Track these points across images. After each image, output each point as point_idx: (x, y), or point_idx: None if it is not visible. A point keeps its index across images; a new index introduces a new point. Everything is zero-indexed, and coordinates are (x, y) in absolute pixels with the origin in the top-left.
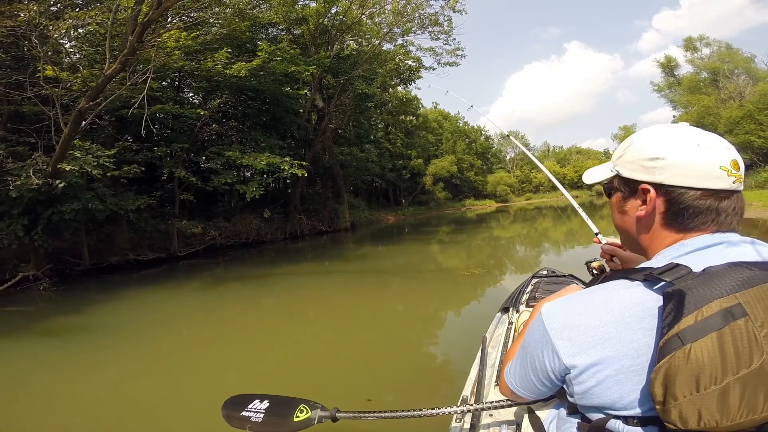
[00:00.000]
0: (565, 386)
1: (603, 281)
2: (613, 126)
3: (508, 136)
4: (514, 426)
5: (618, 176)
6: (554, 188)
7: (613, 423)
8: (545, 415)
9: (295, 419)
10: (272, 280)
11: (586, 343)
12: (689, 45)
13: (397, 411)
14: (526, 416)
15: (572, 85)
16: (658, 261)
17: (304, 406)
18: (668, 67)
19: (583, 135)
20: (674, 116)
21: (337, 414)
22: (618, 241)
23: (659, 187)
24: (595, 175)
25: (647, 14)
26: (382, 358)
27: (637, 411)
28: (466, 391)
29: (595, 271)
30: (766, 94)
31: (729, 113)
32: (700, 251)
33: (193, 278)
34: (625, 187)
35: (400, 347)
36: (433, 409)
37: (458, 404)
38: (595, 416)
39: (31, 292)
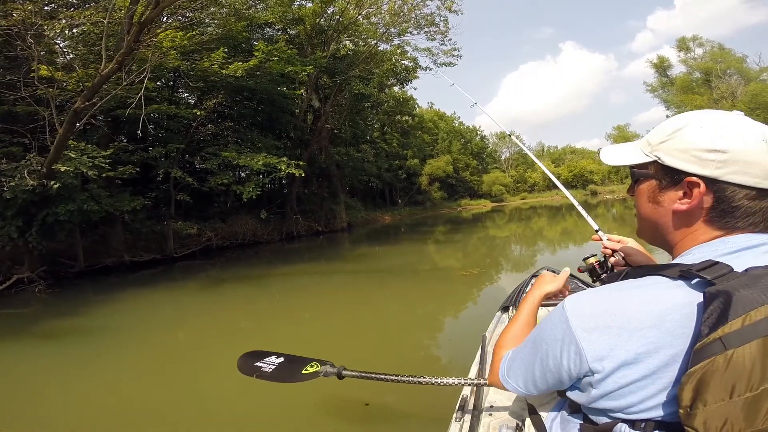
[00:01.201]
0: (576, 388)
1: (625, 277)
2: (607, 126)
3: (510, 135)
4: (515, 424)
5: (657, 162)
6: (549, 188)
7: (620, 427)
8: (547, 414)
9: (304, 372)
10: (269, 281)
11: (617, 347)
12: (682, 45)
13: (399, 375)
14: (527, 416)
15: (566, 85)
16: (692, 257)
17: (315, 363)
18: (661, 67)
19: (577, 135)
20: (667, 116)
21: (343, 371)
22: (618, 236)
23: (711, 182)
24: (620, 155)
25: (641, 14)
26: (381, 359)
27: (649, 415)
28: (466, 391)
29: (596, 268)
30: (758, 94)
31: None
32: (746, 251)
33: (189, 279)
34: (665, 176)
35: (399, 347)
36: (433, 377)
37: (461, 378)
38: (601, 419)
39: (26, 294)
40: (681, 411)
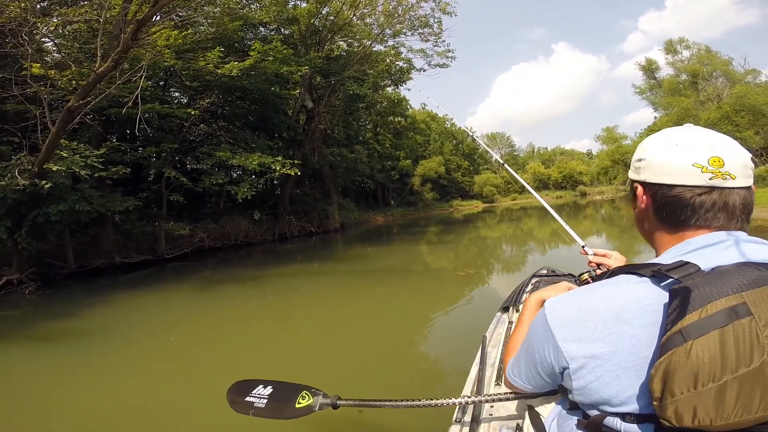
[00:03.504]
0: (564, 381)
1: (611, 276)
2: (597, 127)
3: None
4: (515, 425)
5: (629, 177)
6: (539, 188)
7: (610, 420)
8: (546, 412)
9: (297, 406)
10: (261, 282)
11: (586, 339)
12: (670, 48)
13: (396, 400)
14: (527, 414)
15: (558, 86)
16: (665, 258)
17: (306, 393)
18: (649, 69)
19: (568, 136)
20: (655, 117)
21: (338, 401)
22: (604, 250)
23: (644, 185)
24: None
25: (633, 15)
26: (378, 361)
27: (634, 407)
28: (466, 390)
29: (589, 282)
30: (743, 96)
31: (707, 115)
32: (707, 248)
33: (181, 281)
34: (630, 186)
35: (396, 349)
36: (431, 399)
37: (458, 396)
38: (593, 413)
39: (16, 296)
40: (654, 403)
